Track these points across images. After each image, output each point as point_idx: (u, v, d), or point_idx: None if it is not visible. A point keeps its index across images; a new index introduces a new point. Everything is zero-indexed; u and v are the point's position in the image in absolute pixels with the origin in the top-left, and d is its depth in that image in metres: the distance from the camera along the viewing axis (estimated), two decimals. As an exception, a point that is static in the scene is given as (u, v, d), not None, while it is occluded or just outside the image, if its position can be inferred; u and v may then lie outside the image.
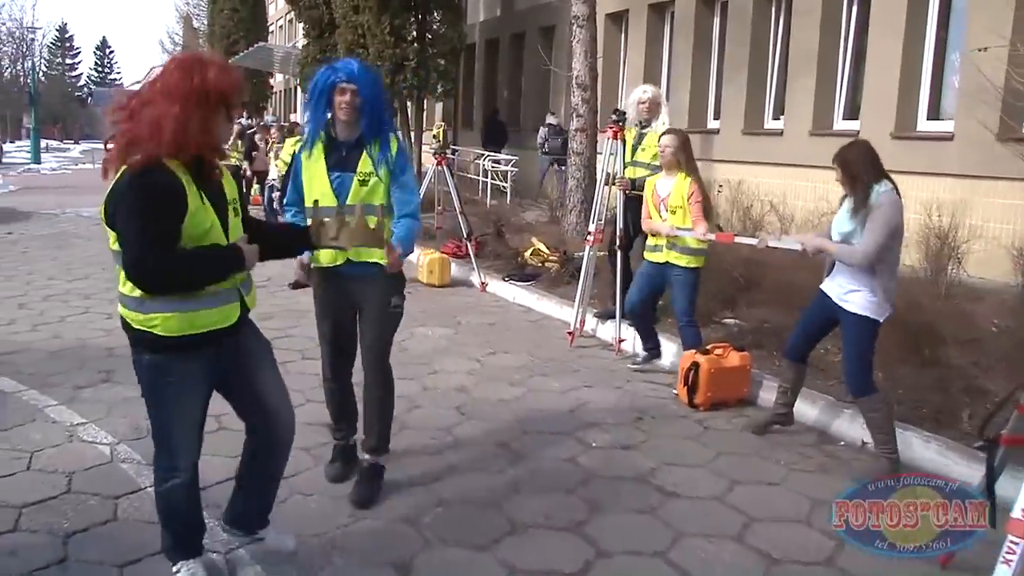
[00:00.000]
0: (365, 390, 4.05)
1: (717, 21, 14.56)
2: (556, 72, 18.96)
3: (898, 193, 4.41)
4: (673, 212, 5.80)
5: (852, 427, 5.01)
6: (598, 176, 6.96)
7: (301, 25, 23.47)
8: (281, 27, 46.49)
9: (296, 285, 7.97)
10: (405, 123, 18.61)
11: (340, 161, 3.79)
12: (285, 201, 3.99)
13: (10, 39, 67.84)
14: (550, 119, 20.22)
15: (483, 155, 17.32)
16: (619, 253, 6.81)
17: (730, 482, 4.34)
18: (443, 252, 10.06)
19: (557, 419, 5.20)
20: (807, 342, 4.94)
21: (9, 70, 69.87)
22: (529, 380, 5.96)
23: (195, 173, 2.80)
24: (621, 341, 6.77)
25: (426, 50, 17.38)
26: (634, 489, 4.23)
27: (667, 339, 6.58)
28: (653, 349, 6.38)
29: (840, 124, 12.05)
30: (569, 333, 6.97)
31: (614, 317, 7.11)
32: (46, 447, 4.49)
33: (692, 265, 5.80)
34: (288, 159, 14.97)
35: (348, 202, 3.71)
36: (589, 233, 6.92)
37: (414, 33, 17.49)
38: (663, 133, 6.08)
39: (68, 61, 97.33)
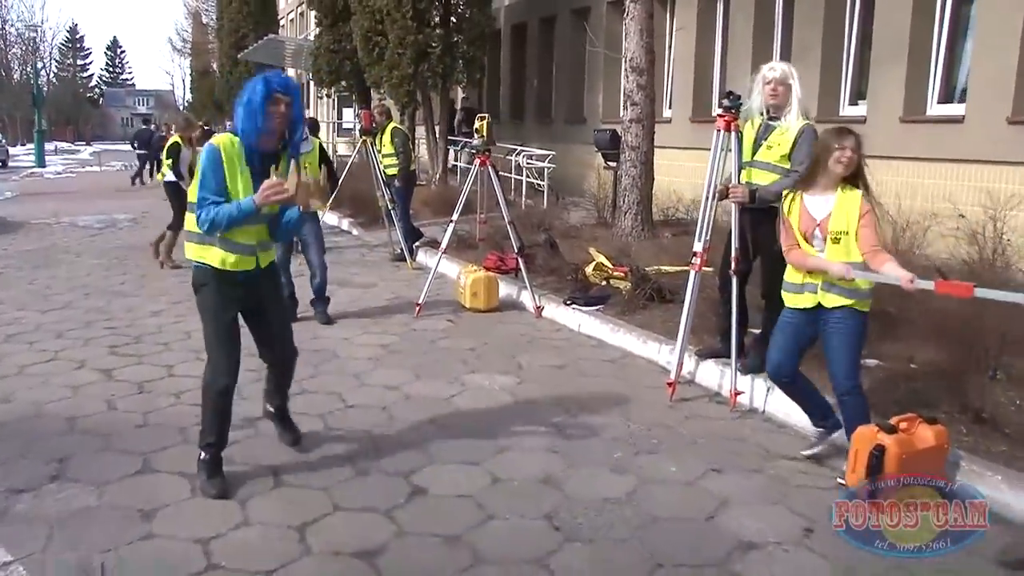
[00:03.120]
0: (279, 366, 4.35)
1: (780, -3, 12.90)
2: (593, 58, 17.37)
3: None
4: (836, 240, 4.14)
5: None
6: (708, 181, 5.36)
7: (313, 14, 21.95)
8: (292, 20, 44.93)
9: None
10: (429, 116, 17.04)
11: (257, 173, 3.83)
12: (207, 193, 3.77)
13: (19, 40, 66.74)
14: (463, 102, 18.60)
15: (517, 150, 15.70)
16: (734, 279, 5.25)
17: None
18: (485, 267, 8.50)
19: (694, 535, 3.61)
20: None
21: (19, 72, 68.76)
22: (635, 462, 4.37)
23: None
24: (739, 393, 5.20)
25: (451, 35, 15.79)
26: None
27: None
28: (826, 420, 4.50)
29: (935, 109, 10.39)
30: (669, 384, 5.39)
31: (719, 356, 5.60)
32: (-59, 620, 2.96)
33: (860, 308, 4.21)
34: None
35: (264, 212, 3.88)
36: (695, 254, 5.33)
37: (437, 18, 15.90)
38: (836, 130, 4.36)
39: (79, 62, 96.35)
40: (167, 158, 10.13)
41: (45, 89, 72.58)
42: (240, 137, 3.80)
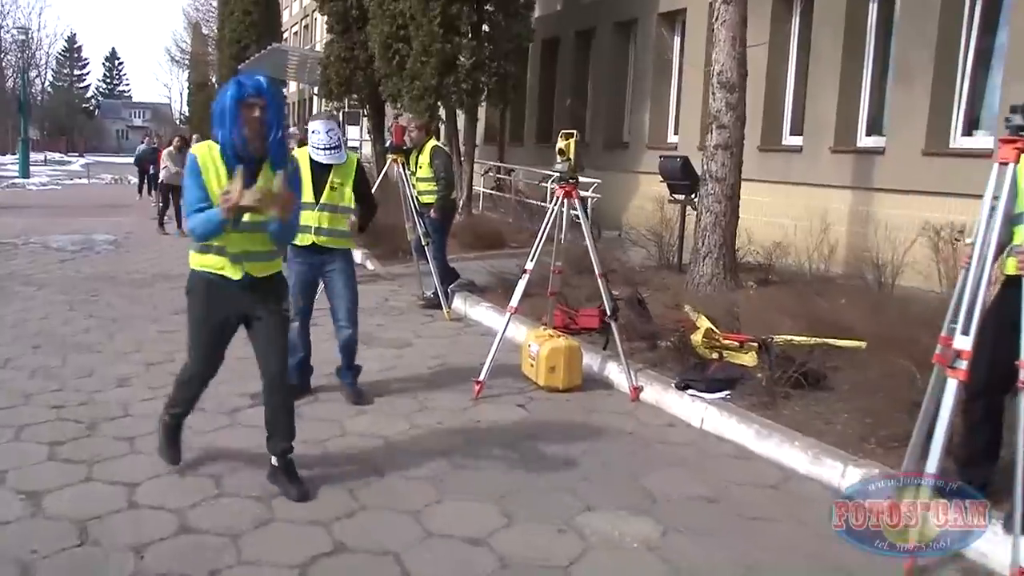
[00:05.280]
0: (268, 385, 3.99)
1: (874, 7, 11.11)
2: (638, 76, 15.59)
3: None
4: None
5: None
6: (980, 241, 3.44)
7: (323, 20, 20.17)
8: (296, 33, 43.32)
9: None
10: (455, 136, 15.19)
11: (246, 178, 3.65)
12: (190, 201, 3.74)
13: (14, 46, 64.87)
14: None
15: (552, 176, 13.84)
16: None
17: None
18: (556, 328, 6.60)
19: None
20: None
21: (12, 79, 66.95)
22: None
23: None
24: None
25: (482, 47, 13.96)
26: None
27: None
28: None
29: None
30: (909, 557, 3.45)
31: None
32: None
33: None
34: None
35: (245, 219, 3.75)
36: (958, 354, 3.39)
37: (469, 27, 14.05)
38: None
39: (76, 72, 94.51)
40: None
41: (40, 99, 70.63)
42: (220, 143, 3.71)
